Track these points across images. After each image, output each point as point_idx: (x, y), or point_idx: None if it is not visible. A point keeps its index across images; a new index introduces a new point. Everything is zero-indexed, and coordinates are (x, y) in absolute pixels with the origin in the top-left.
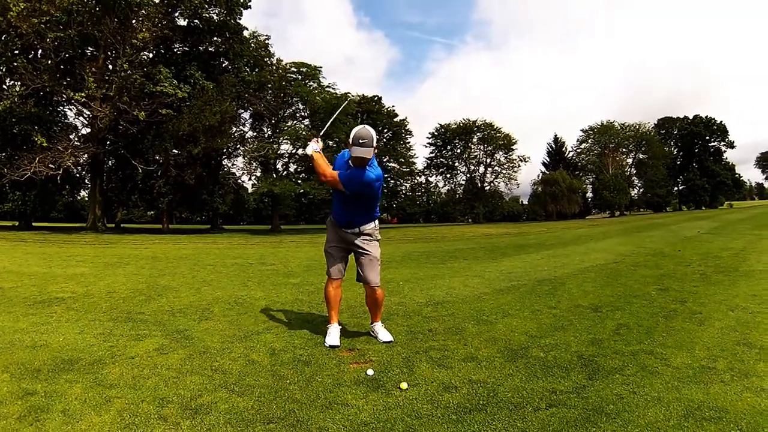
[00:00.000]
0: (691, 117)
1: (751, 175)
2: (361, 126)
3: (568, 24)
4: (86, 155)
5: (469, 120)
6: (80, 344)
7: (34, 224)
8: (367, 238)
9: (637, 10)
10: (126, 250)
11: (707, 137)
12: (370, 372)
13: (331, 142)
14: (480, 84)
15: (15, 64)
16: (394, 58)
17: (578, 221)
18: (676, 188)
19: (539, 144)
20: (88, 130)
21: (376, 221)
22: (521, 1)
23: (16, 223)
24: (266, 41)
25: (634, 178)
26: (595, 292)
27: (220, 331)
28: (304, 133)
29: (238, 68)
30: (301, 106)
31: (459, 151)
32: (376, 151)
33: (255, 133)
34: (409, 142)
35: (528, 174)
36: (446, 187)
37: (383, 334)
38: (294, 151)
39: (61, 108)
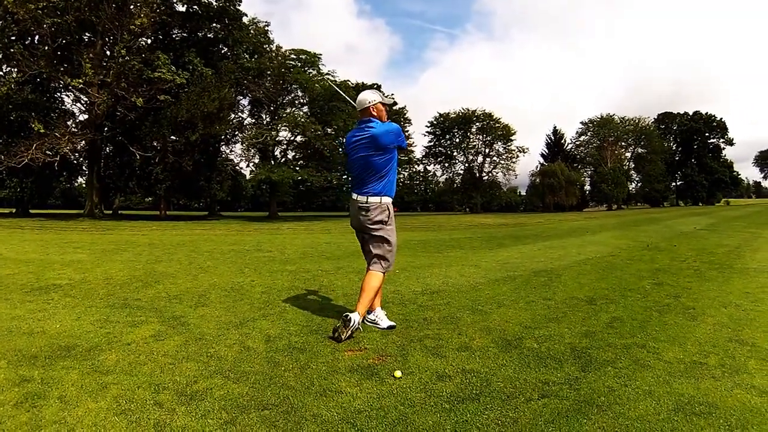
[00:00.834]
0: (691, 113)
1: (749, 173)
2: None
3: (569, 19)
4: (84, 142)
5: (468, 110)
6: (77, 331)
7: (31, 211)
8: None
9: (639, 7)
10: (123, 236)
11: (707, 134)
12: (398, 373)
13: (330, 130)
14: (481, 74)
15: (12, 50)
16: (395, 47)
17: (575, 213)
18: (673, 183)
19: (538, 135)
20: (86, 116)
21: (382, 200)
22: None
23: (13, 210)
24: (266, 28)
25: (633, 172)
26: (590, 285)
27: (216, 317)
28: (302, 120)
29: (237, 55)
30: (300, 94)
31: (458, 140)
32: (373, 112)
33: (254, 120)
34: (408, 131)
35: (526, 165)
36: (444, 176)
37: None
38: (292, 138)
39: (59, 94)
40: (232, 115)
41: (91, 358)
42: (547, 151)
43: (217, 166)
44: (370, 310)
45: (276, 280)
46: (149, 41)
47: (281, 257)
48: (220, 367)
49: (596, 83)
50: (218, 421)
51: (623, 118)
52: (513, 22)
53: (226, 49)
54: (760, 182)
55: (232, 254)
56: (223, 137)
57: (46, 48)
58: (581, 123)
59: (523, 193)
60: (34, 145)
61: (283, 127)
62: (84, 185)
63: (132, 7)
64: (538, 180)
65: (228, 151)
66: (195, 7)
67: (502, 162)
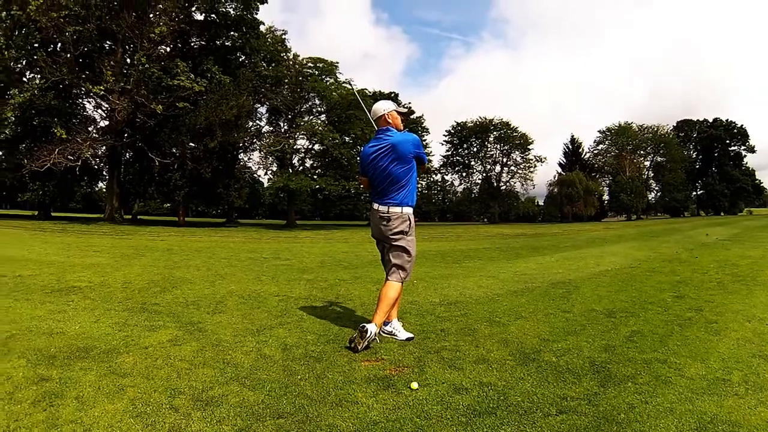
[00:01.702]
0: (711, 120)
1: None
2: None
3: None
4: (104, 147)
5: (485, 118)
6: (95, 333)
7: (53, 214)
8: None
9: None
10: (142, 241)
11: (727, 141)
12: (414, 385)
13: (347, 138)
14: (497, 82)
15: (35, 57)
16: (412, 55)
17: (594, 224)
18: (694, 193)
19: (556, 144)
20: (107, 122)
21: (403, 210)
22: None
23: (36, 213)
24: (283, 36)
25: (652, 181)
26: (609, 297)
27: (233, 324)
28: (320, 128)
29: (255, 63)
30: (317, 102)
31: (475, 149)
32: (389, 120)
33: (271, 128)
34: (425, 140)
35: (544, 175)
36: (462, 186)
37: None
38: (310, 147)
39: (80, 101)
40: (250, 123)
41: (109, 360)
42: (564, 161)
43: (235, 173)
44: (386, 322)
45: (293, 289)
46: (168, 49)
47: (299, 266)
48: (237, 373)
49: (614, 90)
50: (233, 428)
51: (642, 126)
52: (529, 29)
53: (243, 57)
54: None
55: (249, 262)
56: (241, 145)
57: (68, 55)
58: (599, 131)
59: (541, 203)
60: (57, 149)
61: (300, 135)
62: (104, 190)
63: (151, 15)
64: (555, 190)
65: (246, 158)
66: (213, 16)
67: (520, 171)
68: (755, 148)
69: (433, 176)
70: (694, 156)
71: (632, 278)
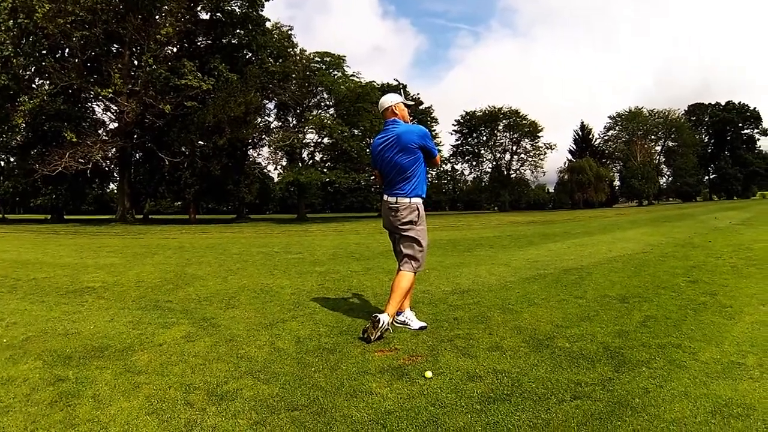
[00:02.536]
0: (723, 103)
1: None
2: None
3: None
4: (114, 149)
5: (494, 107)
6: (110, 332)
7: (65, 217)
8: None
9: None
10: (154, 240)
11: (740, 124)
12: (429, 374)
13: (356, 131)
14: (506, 71)
15: (43, 63)
16: (420, 47)
17: (605, 210)
18: (706, 177)
19: (566, 131)
20: (116, 124)
21: (412, 200)
22: None
23: (48, 217)
24: (289, 32)
25: (663, 166)
26: (622, 283)
27: (245, 319)
28: (329, 122)
29: (262, 59)
30: (325, 96)
31: (485, 138)
32: (396, 112)
33: (280, 123)
34: (435, 130)
35: (554, 162)
36: (472, 175)
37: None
38: (319, 140)
39: (89, 104)
40: (259, 119)
41: (124, 358)
42: (575, 147)
43: (245, 169)
44: (399, 312)
45: (305, 282)
46: (175, 50)
47: (310, 258)
48: (251, 368)
49: (624, 75)
50: (248, 422)
51: (652, 110)
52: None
53: (250, 54)
54: None
55: (261, 256)
56: (250, 141)
57: (76, 60)
58: (609, 117)
59: (552, 190)
60: (67, 153)
61: (309, 130)
62: (115, 191)
63: (157, 17)
64: (566, 177)
65: (255, 154)
66: (218, 14)
67: (530, 159)
68: None
69: (444, 166)
70: (706, 140)
71: (645, 263)
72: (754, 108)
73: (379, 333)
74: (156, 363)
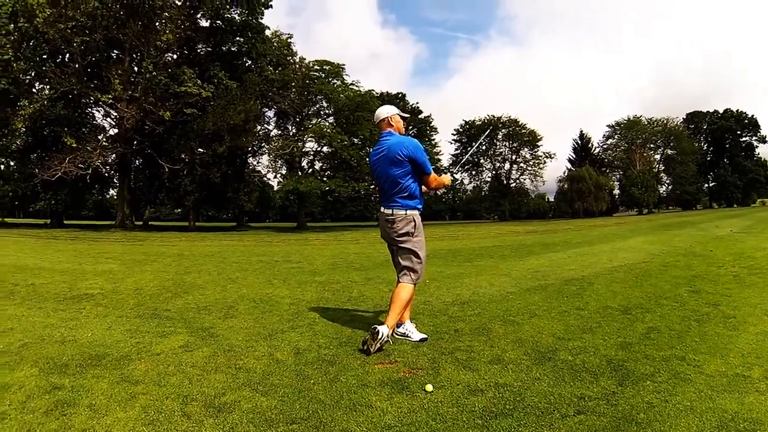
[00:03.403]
0: (721, 111)
1: None
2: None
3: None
4: (114, 155)
5: (493, 116)
6: (108, 340)
7: (65, 222)
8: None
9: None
10: (153, 247)
11: (738, 132)
12: (429, 387)
13: (356, 140)
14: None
15: (44, 68)
16: (420, 55)
17: (605, 219)
18: (706, 185)
19: (565, 139)
20: (116, 130)
21: (407, 212)
22: None
23: (48, 222)
24: (288, 40)
25: (663, 174)
26: (623, 293)
27: (244, 329)
28: (328, 130)
29: (261, 67)
30: (325, 104)
31: (484, 147)
32: (392, 124)
33: (280, 131)
34: (434, 139)
35: (554, 171)
36: (472, 185)
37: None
38: (319, 149)
39: (89, 110)
40: (258, 127)
41: (121, 367)
42: (574, 156)
43: (244, 177)
44: (399, 323)
45: (305, 292)
46: (175, 56)
47: (310, 268)
48: (249, 379)
49: (623, 84)
50: None
51: (651, 119)
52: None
53: (250, 62)
54: None
55: (260, 265)
56: (249, 149)
57: (77, 65)
58: (608, 126)
59: (552, 199)
60: (67, 158)
61: (309, 138)
62: (115, 197)
63: (157, 24)
64: (566, 186)
65: (255, 162)
66: (218, 22)
67: (530, 168)
68: (767, 139)
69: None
70: (705, 148)
71: (646, 273)
72: (752, 115)
73: (378, 345)
74: (153, 373)
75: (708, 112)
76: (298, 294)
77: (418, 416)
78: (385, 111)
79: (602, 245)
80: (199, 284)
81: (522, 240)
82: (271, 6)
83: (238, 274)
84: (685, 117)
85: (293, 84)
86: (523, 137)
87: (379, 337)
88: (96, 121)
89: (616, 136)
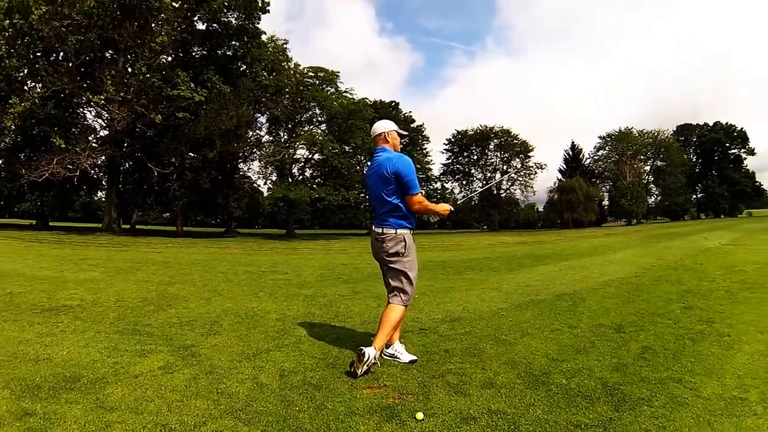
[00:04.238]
0: (711, 124)
1: None
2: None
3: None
4: (103, 157)
5: (486, 126)
6: (84, 359)
7: (51, 224)
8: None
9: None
10: (138, 254)
11: (727, 144)
12: (420, 415)
13: (347, 148)
14: (499, 89)
15: (36, 66)
16: (415, 64)
17: (594, 229)
18: (694, 196)
19: (556, 150)
20: (106, 132)
21: (398, 231)
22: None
23: (34, 222)
24: (284, 45)
25: (652, 185)
26: (616, 310)
27: (228, 347)
28: (320, 138)
29: (256, 72)
30: (318, 111)
31: (476, 157)
32: (387, 140)
33: (271, 138)
34: (425, 148)
35: (544, 181)
36: (462, 194)
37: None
38: (310, 156)
39: (80, 110)
40: (250, 133)
41: (97, 391)
42: (565, 167)
43: (234, 183)
44: (388, 344)
45: (291, 306)
46: (169, 59)
47: (297, 280)
48: (231, 405)
49: (615, 96)
50: None
51: (642, 131)
52: (531, 36)
53: (244, 67)
54: None
55: (246, 276)
56: (240, 155)
57: (70, 65)
58: (599, 137)
59: (541, 209)
60: (55, 159)
61: (300, 145)
62: (103, 200)
63: (153, 25)
64: (556, 196)
65: (246, 168)
66: (215, 25)
67: (520, 179)
68: (755, 151)
69: (433, 184)
70: (694, 160)
71: (638, 288)
72: (741, 128)
73: (365, 367)
74: (130, 398)
75: (698, 124)
76: (284, 309)
77: None
78: (382, 126)
79: (592, 258)
80: (183, 296)
81: (512, 251)
82: (268, 11)
83: (224, 285)
84: (675, 129)
85: (287, 90)
86: (514, 147)
87: (365, 359)
88: (86, 121)
89: (607, 148)
